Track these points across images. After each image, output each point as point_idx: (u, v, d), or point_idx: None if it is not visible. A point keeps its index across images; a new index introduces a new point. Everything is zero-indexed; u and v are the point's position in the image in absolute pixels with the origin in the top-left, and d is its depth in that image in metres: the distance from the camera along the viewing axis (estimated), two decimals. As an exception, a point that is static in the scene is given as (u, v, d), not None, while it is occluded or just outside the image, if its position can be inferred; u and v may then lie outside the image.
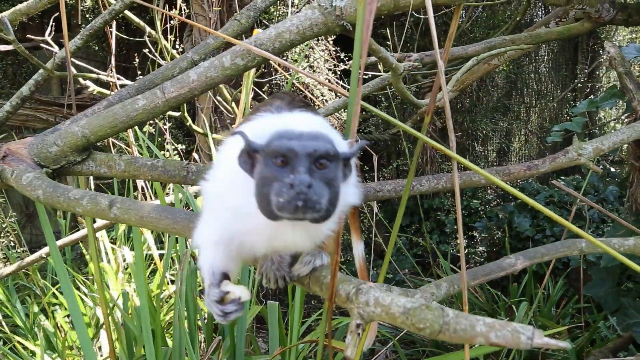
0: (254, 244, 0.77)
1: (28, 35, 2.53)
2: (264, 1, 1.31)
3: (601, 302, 2.23)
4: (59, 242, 2.17)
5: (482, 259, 6.13)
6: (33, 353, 2.68)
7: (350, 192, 0.78)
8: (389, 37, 3.70)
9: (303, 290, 1.55)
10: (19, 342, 2.71)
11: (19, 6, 1.69)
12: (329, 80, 4.66)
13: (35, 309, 3.26)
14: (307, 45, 4.45)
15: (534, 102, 7.46)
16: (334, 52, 4.81)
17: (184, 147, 3.62)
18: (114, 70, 2.44)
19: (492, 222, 5.67)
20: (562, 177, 5.83)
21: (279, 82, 4.61)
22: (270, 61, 2.81)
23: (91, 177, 2.66)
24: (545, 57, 7.36)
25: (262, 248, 0.78)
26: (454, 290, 0.85)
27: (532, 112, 7.58)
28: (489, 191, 7.14)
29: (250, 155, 0.74)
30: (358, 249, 1.19)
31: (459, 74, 1.48)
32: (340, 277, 0.67)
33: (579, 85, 6.78)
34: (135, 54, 3.02)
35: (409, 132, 0.74)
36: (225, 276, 0.79)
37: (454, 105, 6.60)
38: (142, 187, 2.74)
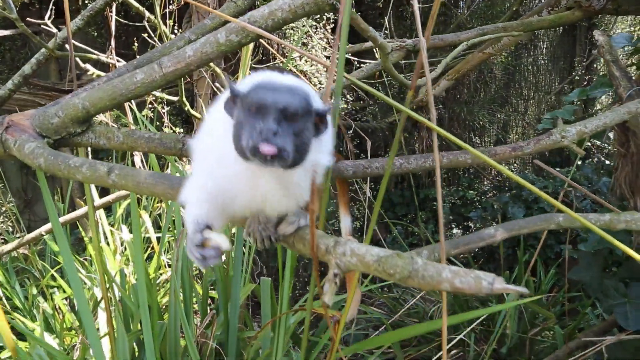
0: (237, 197, 0.83)
1: (28, 19, 2.56)
2: (260, -17, 1.36)
3: (586, 286, 2.28)
4: (62, 219, 2.22)
5: (477, 249, 6.20)
6: (33, 331, 2.73)
7: (324, 153, 0.84)
8: (389, 26, 3.73)
9: (293, 263, 1.60)
10: (20, 321, 2.77)
11: (21, -15, 1.73)
12: (326, 68, 4.68)
13: (34, 291, 3.31)
14: (305, 33, 4.47)
15: (531, 94, 7.50)
16: (332, 40, 4.83)
17: (182, 130, 3.66)
18: (113, 52, 2.48)
19: (487, 212, 5.73)
20: (557, 169, 5.88)
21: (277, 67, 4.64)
22: (269, 47, 2.84)
23: (89, 154, 2.71)
24: (544, 50, 7.39)
25: (244, 201, 0.83)
26: (434, 258, 0.90)
27: (529, 103, 7.62)
28: (485, 182, 7.19)
29: (234, 102, 0.80)
30: (346, 222, 1.24)
31: (448, 58, 1.52)
32: (320, 234, 0.72)
33: (577, 77, 6.81)
34: (135, 39, 3.05)
35: (390, 104, 0.78)
36: (208, 228, 0.85)
37: (452, 96, 6.64)
38: (140, 166, 2.79)
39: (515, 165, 7.61)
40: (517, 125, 7.54)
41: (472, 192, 6.52)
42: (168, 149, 1.08)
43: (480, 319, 3.26)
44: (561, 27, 6.61)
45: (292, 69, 3.95)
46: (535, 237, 4.98)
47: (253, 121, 0.75)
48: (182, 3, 2.79)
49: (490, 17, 5.58)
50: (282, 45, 4.68)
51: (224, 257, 1.93)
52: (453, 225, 6.32)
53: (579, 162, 6.39)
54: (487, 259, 5.57)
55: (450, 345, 3.11)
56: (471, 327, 3.27)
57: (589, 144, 6.17)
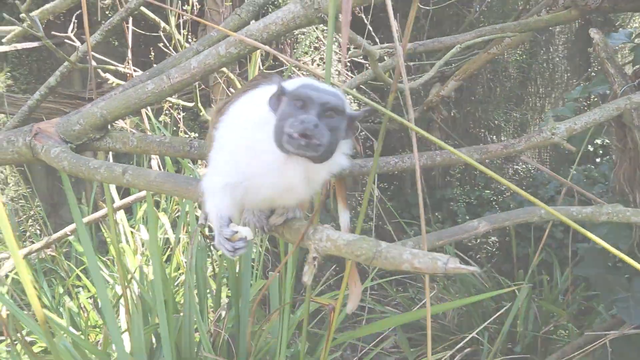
0: (262, 186, 0.93)
1: (53, 32, 2.71)
2: (262, -4, 1.46)
3: (592, 282, 2.31)
4: (85, 220, 2.36)
5: (494, 249, 6.19)
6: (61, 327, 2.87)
7: (344, 154, 0.96)
8: (398, 28, 3.79)
9: (296, 257, 1.68)
10: (52, 318, 2.91)
11: (47, 5, 1.87)
12: (339, 72, 4.76)
13: (61, 290, 3.46)
14: (316, 38, 4.57)
15: (549, 91, 7.45)
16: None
17: (197, 135, 3.79)
18: (130, 62, 2.62)
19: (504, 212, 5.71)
20: (574, 167, 5.84)
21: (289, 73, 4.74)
22: (276, 54, 2.94)
23: (111, 158, 2.85)
24: (560, 46, 7.34)
25: (269, 190, 0.93)
26: (419, 249, 0.97)
27: (546, 101, 7.57)
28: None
29: (279, 98, 0.93)
30: (344, 217, 1.32)
31: (442, 61, 1.59)
32: (303, 224, 0.81)
33: (593, 74, 6.75)
34: (152, 49, 3.20)
35: (375, 107, 0.86)
36: (230, 221, 0.96)
37: (467, 95, 6.65)
38: (157, 168, 2.92)
39: (535, 161, 7.57)
40: (534, 123, 7.50)
41: (488, 191, 6.51)
42: (177, 152, 1.18)
43: (493, 318, 3.29)
44: (577, 23, 6.57)
45: (302, 74, 4.05)
46: (551, 236, 4.96)
47: (297, 113, 0.87)
48: (196, 13, 2.92)
49: (501, 16, 5.59)
50: (295, 50, 4.79)
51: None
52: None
53: (597, 160, 6.34)
54: (504, 259, 5.57)
55: (462, 343, 3.15)
56: (483, 325, 3.31)
57: (608, 141, 6.11)
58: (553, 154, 7.31)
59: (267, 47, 0.94)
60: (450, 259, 0.60)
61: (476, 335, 3.18)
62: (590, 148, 6.40)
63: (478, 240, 6.05)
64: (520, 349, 3.38)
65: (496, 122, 6.74)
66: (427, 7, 4.42)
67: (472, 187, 6.43)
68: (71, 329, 2.62)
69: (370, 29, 3.08)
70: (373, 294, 4.30)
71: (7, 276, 3.34)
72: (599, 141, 6.23)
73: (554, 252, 4.65)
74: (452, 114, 6.26)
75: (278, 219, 0.94)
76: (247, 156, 0.93)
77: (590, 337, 2.49)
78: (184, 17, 2.66)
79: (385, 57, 2.88)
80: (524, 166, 7.27)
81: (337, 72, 4.80)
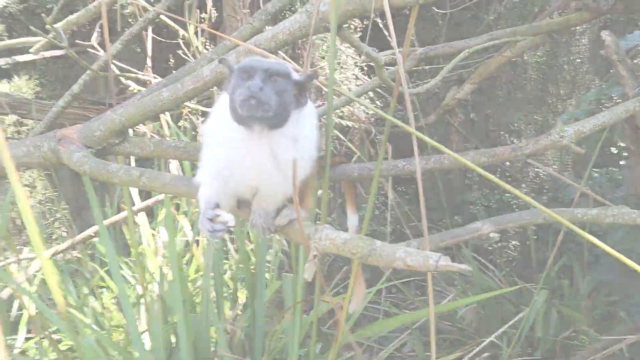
0: (234, 169, 1.01)
1: (77, 41, 2.83)
2: (274, 6, 1.51)
3: (609, 286, 2.28)
4: (105, 222, 2.44)
5: (515, 253, 6.12)
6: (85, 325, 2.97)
7: (309, 141, 1.03)
8: (413, 32, 3.81)
9: (306, 259, 1.72)
10: (77, 317, 3.01)
11: (70, 17, 1.97)
12: (356, 76, 4.80)
13: (85, 290, 3.57)
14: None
15: (570, 92, 7.33)
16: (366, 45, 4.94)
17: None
18: (150, 70, 2.71)
19: (524, 215, 5.64)
20: (596, 169, 5.74)
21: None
22: (289, 60, 2.99)
23: (132, 163, 2.95)
24: (582, 47, 7.22)
25: (240, 173, 1.01)
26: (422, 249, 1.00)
27: (567, 103, 7.45)
28: (522, 185, 7.08)
29: (229, 79, 1.01)
30: (353, 221, 1.36)
31: (450, 66, 1.61)
32: (305, 224, 0.85)
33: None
34: (171, 55, 3.30)
35: (378, 113, 0.90)
36: (217, 206, 1.04)
37: (486, 98, 6.60)
38: (176, 172, 3.00)
39: (555, 167, 7.46)
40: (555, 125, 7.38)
41: (508, 195, 6.45)
42: (191, 156, 1.24)
43: (512, 322, 3.26)
44: (598, 23, 6.46)
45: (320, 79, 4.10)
46: (572, 240, 4.88)
47: (243, 83, 0.94)
48: (213, 21, 3.00)
49: (520, 18, 5.54)
50: (312, 56, 4.85)
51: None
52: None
53: (621, 162, 6.21)
54: (525, 263, 5.50)
55: (480, 347, 3.13)
56: (502, 329, 3.29)
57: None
58: (577, 156, 7.19)
59: (273, 56, 0.99)
60: (441, 257, 0.63)
61: (495, 340, 3.16)
62: (614, 150, 6.28)
63: (499, 244, 6.00)
64: (540, 354, 3.34)
65: (516, 124, 6.67)
66: (444, 11, 4.43)
67: (492, 190, 6.37)
68: (95, 327, 2.71)
69: (387, 33, 3.10)
70: (390, 296, 4.30)
71: (35, 276, 3.46)
72: (622, 143, 6.11)
73: (575, 256, 4.58)
74: (470, 117, 6.23)
75: (282, 220, 0.99)
76: (218, 144, 1.02)
77: (608, 342, 2.46)
78: (201, 25, 2.74)
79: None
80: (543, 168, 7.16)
81: (354, 77, 4.84)
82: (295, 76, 1.00)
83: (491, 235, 4.85)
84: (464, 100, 4.18)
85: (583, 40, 7.04)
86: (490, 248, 5.82)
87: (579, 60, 7.13)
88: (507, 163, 6.64)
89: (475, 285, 4.06)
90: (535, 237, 4.87)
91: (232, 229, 1.01)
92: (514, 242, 6.23)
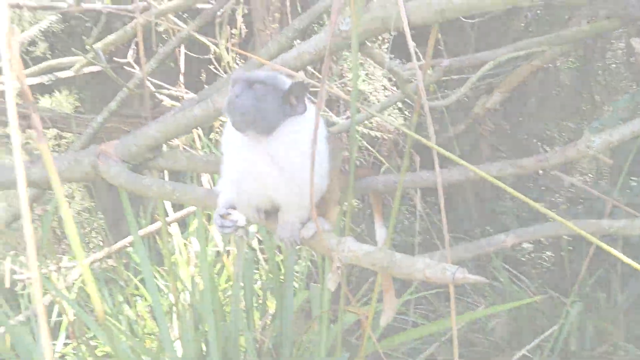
0: (242, 177, 1.10)
1: (114, 58, 2.97)
2: (301, 23, 1.56)
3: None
4: (140, 232, 2.54)
5: (549, 264, 5.97)
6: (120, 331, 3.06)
7: (322, 148, 1.06)
8: (442, 42, 3.80)
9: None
10: (112, 324, 3.11)
11: (109, 38, 2.08)
12: (384, 87, 4.82)
13: (120, 298, 3.69)
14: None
15: (605, 99, 7.13)
16: (389, 59, 4.96)
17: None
18: (182, 86, 2.82)
19: (558, 225, 5.50)
20: (634, 178, 5.56)
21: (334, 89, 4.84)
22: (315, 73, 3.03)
23: (166, 175, 3.06)
24: (618, 52, 7.03)
25: (248, 180, 1.08)
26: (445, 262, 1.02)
27: (603, 110, 7.25)
28: (557, 195, 6.91)
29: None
30: (381, 233, 1.38)
31: (474, 78, 1.61)
32: (328, 236, 0.89)
33: (653, 82, 6.41)
34: (202, 70, 3.41)
35: (397, 126, 0.93)
36: (232, 207, 1.13)
37: (518, 106, 6.50)
38: (208, 185, 3.08)
39: (590, 175, 7.26)
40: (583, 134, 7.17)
41: (542, 204, 6.30)
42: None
43: (545, 335, 3.19)
44: (636, 28, 6.28)
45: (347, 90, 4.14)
46: (610, 252, 4.73)
47: (230, 92, 1.04)
48: (244, 36, 3.09)
49: (551, 26, 5.46)
50: (341, 67, 4.90)
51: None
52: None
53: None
54: (560, 275, 5.36)
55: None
56: (534, 342, 3.22)
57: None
58: (613, 164, 6.99)
59: (298, 75, 1.03)
60: (459, 269, 0.65)
61: (527, 353, 3.10)
62: (657, 158, 6.07)
63: (532, 255, 5.87)
64: (574, 368, 3.25)
65: (548, 132, 6.53)
66: (472, 20, 4.41)
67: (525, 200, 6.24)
68: (129, 334, 2.80)
69: (413, 44, 3.12)
70: (421, 308, 4.27)
71: (73, 284, 3.59)
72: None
73: (613, 269, 4.44)
74: (501, 126, 6.14)
75: (308, 232, 1.03)
76: (227, 152, 1.12)
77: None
78: (232, 41, 2.83)
79: (429, 71, 2.91)
80: (581, 178, 6.99)
81: (382, 87, 4.86)
82: (283, 84, 1.06)
83: (524, 245, 4.78)
84: (494, 109, 4.14)
85: (620, 45, 6.86)
86: (523, 259, 5.70)
87: (614, 65, 6.94)
88: (541, 172, 6.51)
89: (506, 298, 3.99)
90: (570, 247, 4.75)
91: (242, 227, 1.09)
92: (548, 253, 6.09)
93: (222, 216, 1.10)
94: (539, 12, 5.79)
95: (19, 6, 3.01)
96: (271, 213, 1.09)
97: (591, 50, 6.62)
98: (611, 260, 4.78)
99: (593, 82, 7.01)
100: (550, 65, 5.74)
